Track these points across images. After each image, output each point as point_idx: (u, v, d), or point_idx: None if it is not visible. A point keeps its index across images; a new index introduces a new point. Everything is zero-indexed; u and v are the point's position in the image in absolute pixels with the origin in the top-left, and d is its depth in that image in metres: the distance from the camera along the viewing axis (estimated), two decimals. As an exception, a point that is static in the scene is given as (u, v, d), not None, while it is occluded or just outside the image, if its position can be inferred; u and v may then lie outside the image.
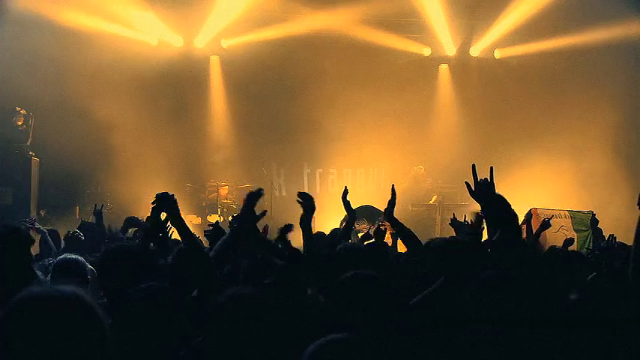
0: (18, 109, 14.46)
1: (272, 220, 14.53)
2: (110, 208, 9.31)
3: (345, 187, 6.30)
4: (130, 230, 8.00)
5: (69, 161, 14.11)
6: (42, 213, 13.28)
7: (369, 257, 5.08)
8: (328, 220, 10.86)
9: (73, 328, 1.81)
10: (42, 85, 14.01)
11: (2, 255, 3.61)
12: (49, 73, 14.10)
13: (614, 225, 13.35)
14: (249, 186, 15.86)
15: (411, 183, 15.92)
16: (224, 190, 16.02)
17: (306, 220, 5.17)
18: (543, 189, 14.24)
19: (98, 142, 14.44)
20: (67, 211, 14.46)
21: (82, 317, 1.83)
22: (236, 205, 15.26)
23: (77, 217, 13.30)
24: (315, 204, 5.25)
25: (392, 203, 5.70)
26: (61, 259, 4.88)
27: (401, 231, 5.56)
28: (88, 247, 7.44)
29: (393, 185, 5.87)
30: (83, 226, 8.47)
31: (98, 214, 8.24)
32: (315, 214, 5.20)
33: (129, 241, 7.63)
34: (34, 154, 14.65)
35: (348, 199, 6.16)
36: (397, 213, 5.73)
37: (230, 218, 5.33)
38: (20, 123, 14.52)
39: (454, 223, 7.01)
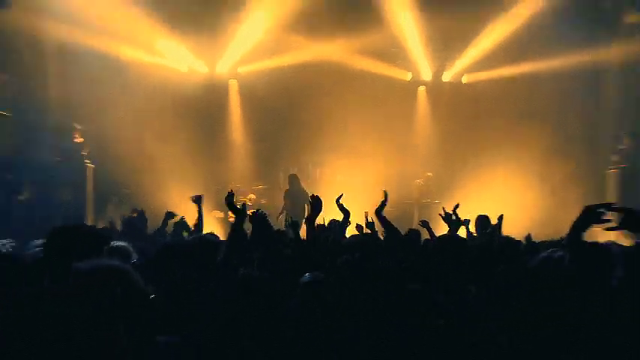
0: (75, 124, 14.57)
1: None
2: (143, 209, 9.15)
3: (342, 193, 6.38)
4: (170, 222, 7.96)
5: (115, 167, 14.24)
6: None
7: (364, 244, 5.23)
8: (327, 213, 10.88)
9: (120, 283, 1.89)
10: (96, 106, 14.18)
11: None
12: (102, 96, 14.26)
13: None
14: (262, 187, 15.97)
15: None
16: (251, 196, 16.03)
17: (312, 218, 5.26)
18: (506, 189, 14.28)
19: (139, 152, 14.49)
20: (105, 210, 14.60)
21: (125, 277, 1.91)
22: (251, 203, 15.34)
23: (108, 213, 13.35)
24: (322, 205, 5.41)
25: (383, 204, 5.83)
26: (112, 245, 4.91)
27: (386, 225, 5.63)
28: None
29: (385, 191, 6.00)
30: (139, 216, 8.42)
31: (141, 215, 8.22)
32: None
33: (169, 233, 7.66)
34: (88, 161, 14.75)
35: (341, 202, 6.29)
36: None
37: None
38: (77, 136, 14.63)
39: (424, 224, 7.13)
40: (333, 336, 3.21)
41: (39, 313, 1.93)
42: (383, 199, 6.03)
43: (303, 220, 5.50)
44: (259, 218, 5.18)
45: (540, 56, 15.81)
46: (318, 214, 5.36)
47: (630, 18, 15.64)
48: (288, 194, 14.26)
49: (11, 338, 1.90)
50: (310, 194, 5.55)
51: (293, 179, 14.76)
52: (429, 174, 16.25)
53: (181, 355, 2.81)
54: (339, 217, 6.68)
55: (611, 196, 14.87)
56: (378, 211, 5.78)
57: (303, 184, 15.20)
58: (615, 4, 15.86)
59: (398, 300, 3.37)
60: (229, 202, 5.11)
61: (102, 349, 1.84)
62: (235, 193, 15.82)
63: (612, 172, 15.87)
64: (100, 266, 1.94)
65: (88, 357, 1.82)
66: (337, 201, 6.28)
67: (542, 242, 6.59)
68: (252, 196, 16.04)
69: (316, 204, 5.36)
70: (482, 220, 7.92)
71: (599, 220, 3.02)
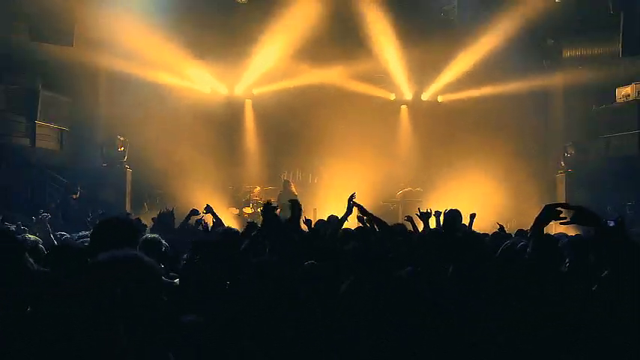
0: (119, 137, 14.57)
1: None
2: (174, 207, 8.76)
3: (354, 192, 5.88)
4: (193, 218, 7.82)
5: (149, 172, 14.20)
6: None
7: (359, 235, 5.13)
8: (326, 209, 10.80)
9: (138, 274, 1.77)
10: (134, 121, 14.19)
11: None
12: (138, 113, 14.25)
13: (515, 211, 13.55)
14: (272, 188, 15.91)
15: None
16: (255, 190, 16.00)
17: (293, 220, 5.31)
18: (476, 190, 14.11)
19: (170, 159, 14.43)
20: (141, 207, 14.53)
21: (142, 267, 1.80)
22: (262, 201, 15.27)
23: (146, 210, 13.32)
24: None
25: (360, 206, 5.42)
26: (145, 237, 4.85)
27: (373, 219, 5.35)
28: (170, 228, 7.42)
29: (351, 202, 5.60)
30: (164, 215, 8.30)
31: (171, 213, 8.10)
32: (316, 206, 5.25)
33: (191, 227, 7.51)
34: (128, 167, 14.73)
35: (354, 200, 5.82)
36: (371, 206, 5.58)
37: (260, 209, 5.30)
38: (120, 146, 14.62)
39: (408, 219, 6.96)
40: (333, 335, 2.99)
41: (39, 313, 1.78)
42: (356, 207, 5.49)
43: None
44: (270, 209, 4.95)
45: (500, 81, 15.78)
46: (298, 217, 5.26)
47: (568, 53, 15.94)
48: (280, 196, 14.30)
49: (11, 338, 1.76)
50: (292, 199, 5.39)
51: (285, 184, 14.92)
52: (418, 189, 15.98)
53: (204, 334, 2.66)
54: (337, 213, 6.52)
55: (561, 195, 14.85)
56: (363, 213, 5.38)
57: (305, 186, 15.18)
58: (557, 42, 16.04)
59: (393, 289, 3.19)
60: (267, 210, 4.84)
61: (102, 349, 1.68)
62: (247, 191, 15.91)
63: (560, 176, 15.87)
64: (119, 256, 1.81)
65: (88, 357, 1.67)
66: (350, 198, 5.75)
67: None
68: (258, 188, 16.02)
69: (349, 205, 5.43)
70: (452, 214, 7.69)
71: (557, 217, 2.95)
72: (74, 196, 13.43)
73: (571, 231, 5.67)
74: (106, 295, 1.69)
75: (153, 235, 4.98)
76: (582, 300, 2.95)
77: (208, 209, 7.44)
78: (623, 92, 14.81)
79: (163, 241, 5.03)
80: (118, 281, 1.73)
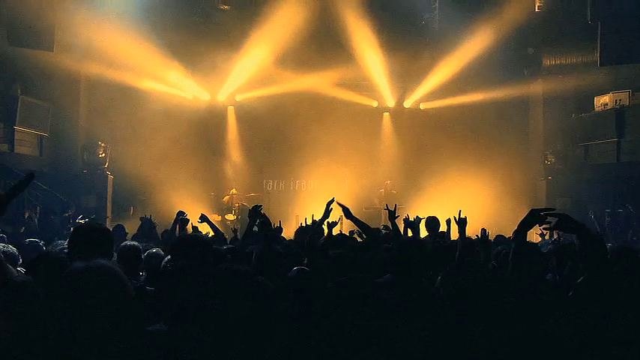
0: (100, 142, 14.42)
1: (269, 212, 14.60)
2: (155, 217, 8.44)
3: (333, 197, 5.71)
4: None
5: (131, 178, 14.05)
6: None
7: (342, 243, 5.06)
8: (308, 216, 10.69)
9: (108, 287, 1.71)
10: (116, 127, 14.06)
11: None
12: (119, 118, 14.14)
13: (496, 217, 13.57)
14: (254, 195, 15.80)
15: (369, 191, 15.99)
16: (236, 196, 15.92)
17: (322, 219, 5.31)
18: (456, 195, 14.11)
19: (151, 165, 14.29)
20: (126, 212, 14.37)
21: (113, 279, 1.74)
22: (242, 208, 15.25)
23: (131, 214, 13.18)
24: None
25: (346, 210, 5.33)
26: (124, 244, 4.76)
27: (360, 225, 5.25)
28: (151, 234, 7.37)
29: (338, 203, 5.50)
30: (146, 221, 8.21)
31: (148, 220, 8.04)
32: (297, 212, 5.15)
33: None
34: (110, 173, 14.58)
35: (331, 207, 5.64)
36: (353, 212, 5.43)
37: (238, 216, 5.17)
38: (101, 152, 14.48)
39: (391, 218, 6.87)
40: (329, 338, 2.91)
41: (36, 321, 1.76)
42: (341, 208, 5.38)
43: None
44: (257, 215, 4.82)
45: (481, 89, 15.82)
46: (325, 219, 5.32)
47: (548, 62, 15.92)
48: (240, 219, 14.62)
49: (10, 340, 1.73)
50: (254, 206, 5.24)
51: (242, 209, 14.99)
52: (387, 182, 16.09)
53: (170, 344, 2.55)
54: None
55: (541, 203, 14.91)
56: (348, 216, 5.32)
57: (287, 193, 15.15)
58: (537, 51, 16.03)
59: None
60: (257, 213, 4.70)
61: (101, 349, 1.65)
62: (229, 198, 15.91)
63: (541, 183, 16.05)
64: (93, 266, 1.75)
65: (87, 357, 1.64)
66: (329, 203, 5.63)
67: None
68: (234, 191, 15.94)
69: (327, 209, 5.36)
70: (432, 221, 7.78)
71: (542, 221, 2.96)
72: (66, 215, 13.19)
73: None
74: (79, 305, 1.64)
75: (132, 243, 4.91)
76: (573, 306, 2.93)
77: (204, 219, 7.35)
78: (602, 101, 15.02)
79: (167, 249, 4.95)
80: (90, 291, 1.68)
